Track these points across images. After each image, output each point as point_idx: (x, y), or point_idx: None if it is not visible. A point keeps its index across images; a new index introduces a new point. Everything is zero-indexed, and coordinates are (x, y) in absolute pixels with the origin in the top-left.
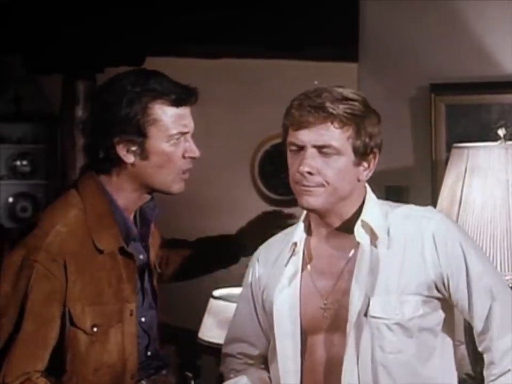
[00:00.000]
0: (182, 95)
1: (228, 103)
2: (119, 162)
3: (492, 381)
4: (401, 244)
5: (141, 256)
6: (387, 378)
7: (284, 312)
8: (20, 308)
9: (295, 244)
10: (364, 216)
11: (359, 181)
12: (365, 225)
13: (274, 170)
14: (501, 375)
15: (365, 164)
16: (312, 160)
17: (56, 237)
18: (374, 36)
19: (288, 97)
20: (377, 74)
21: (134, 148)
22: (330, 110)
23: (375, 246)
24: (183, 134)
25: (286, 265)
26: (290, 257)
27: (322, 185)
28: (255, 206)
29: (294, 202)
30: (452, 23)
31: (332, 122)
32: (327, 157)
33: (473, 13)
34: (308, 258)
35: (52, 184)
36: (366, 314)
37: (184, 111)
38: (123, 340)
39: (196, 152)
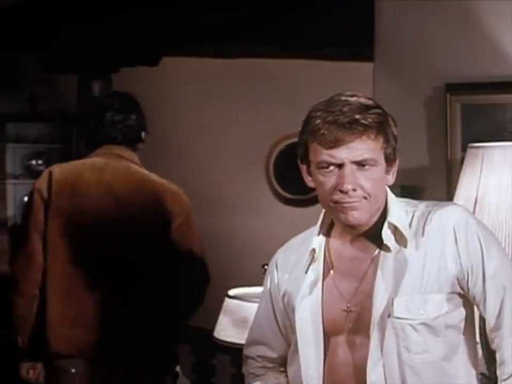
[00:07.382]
0: None
1: (243, 103)
2: None
3: (504, 380)
4: (423, 242)
5: None
6: (415, 379)
7: (307, 320)
8: None
9: (314, 250)
10: (390, 218)
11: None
12: (391, 227)
13: (289, 170)
14: None
15: (391, 168)
16: (353, 176)
17: None
18: (390, 36)
19: (303, 97)
20: (393, 74)
21: None
22: (365, 123)
23: (400, 247)
24: None
25: (306, 272)
26: (310, 264)
27: (365, 198)
28: (270, 205)
29: (307, 202)
30: (467, 23)
31: (368, 136)
32: (364, 170)
33: (488, 13)
34: (329, 263)
35: None
36: (389, 316)
37: None
38: None
39: None
